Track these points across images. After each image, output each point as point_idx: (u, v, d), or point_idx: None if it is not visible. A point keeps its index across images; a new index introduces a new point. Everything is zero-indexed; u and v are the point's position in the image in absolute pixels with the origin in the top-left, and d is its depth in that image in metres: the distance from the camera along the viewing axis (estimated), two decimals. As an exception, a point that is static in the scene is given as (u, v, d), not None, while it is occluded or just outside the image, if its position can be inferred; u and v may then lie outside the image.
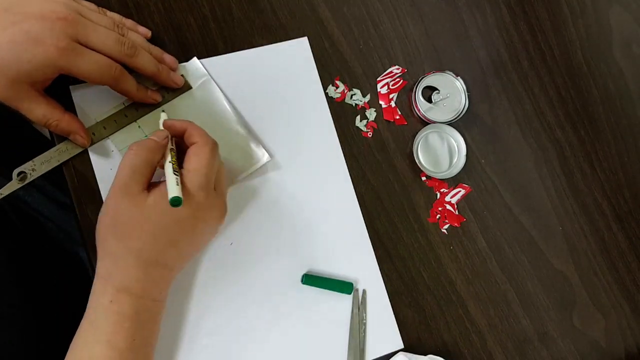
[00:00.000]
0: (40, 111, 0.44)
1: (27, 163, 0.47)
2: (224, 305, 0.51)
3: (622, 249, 0.61)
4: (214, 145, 0.46)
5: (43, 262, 0.58)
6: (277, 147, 0.54)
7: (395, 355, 0.53)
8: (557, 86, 0.62)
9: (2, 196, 0.47)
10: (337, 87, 0.57)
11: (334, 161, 0.56)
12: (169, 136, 0.47)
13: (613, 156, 0.62)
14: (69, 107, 0.49)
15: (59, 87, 0.49)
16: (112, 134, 0.50)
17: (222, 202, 0.47)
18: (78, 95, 0.51)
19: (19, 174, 0.47)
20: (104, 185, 0.50)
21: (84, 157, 0.50)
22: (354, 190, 0.55)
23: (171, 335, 0.50)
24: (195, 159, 0.44)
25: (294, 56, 0.56)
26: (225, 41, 0.55)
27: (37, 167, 0.47)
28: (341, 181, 0.55)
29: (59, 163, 0.49)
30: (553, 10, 0.63)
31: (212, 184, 0.45)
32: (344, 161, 0.56)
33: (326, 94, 0.56)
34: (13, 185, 0.47)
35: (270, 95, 0.55)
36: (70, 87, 0.50)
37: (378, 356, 0.53)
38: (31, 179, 0.47)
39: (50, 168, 0.48)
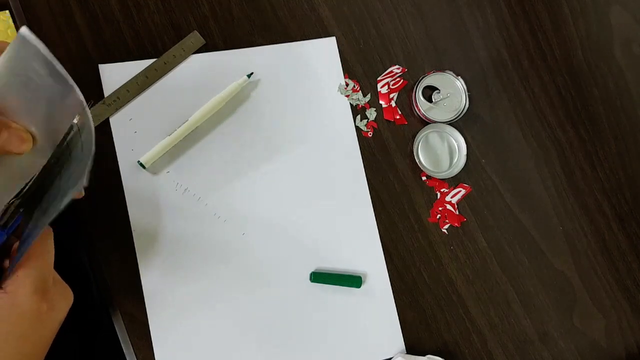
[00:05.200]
0: None
1: None
2: (233, 298, 0.51)
3: (622, 248, 0.61)
4: (50, 234, 0.38)
5: None
6: (293, 143, 0.55)
7: (394, 357, 0.53)
8: (558, 86, 0.62)
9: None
10: (347, 85, 0.57)
11: (352, 163, 0.56)
12: None
13: (613, 156, 0.62)
14: (97, 85, 0.51)
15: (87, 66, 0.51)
16: (131, 99, 0.51)
17: (64, 287, 0.40)
18: (106, 73, 0.52)
19: None
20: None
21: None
22: (368, 188, 0.56)
23: (177, 328, 0.50)
24: (27, 257, 0.36)
25: (320, 55, 0.57)
26: (225, 41, 0.55)
27: None
28: (355, 179, 0.56)
29: None
30: (553, 10, 0.63)
31: (50, 279, 0.38)
32: (362, 163, 0.56)
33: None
34: None
35: (291, 91, 0.56)
36: (100, 65, 0.52)
37: (381, 359, 0.53)
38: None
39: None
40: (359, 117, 0.57)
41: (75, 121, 0.34)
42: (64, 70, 0.32)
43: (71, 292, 0.41)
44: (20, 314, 0.36)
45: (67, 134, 0.35)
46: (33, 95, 0.33)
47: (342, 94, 0.57)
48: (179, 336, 0.50)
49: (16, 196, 0.37)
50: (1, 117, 0.33)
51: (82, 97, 0.33)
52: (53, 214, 0.33)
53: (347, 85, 0.57)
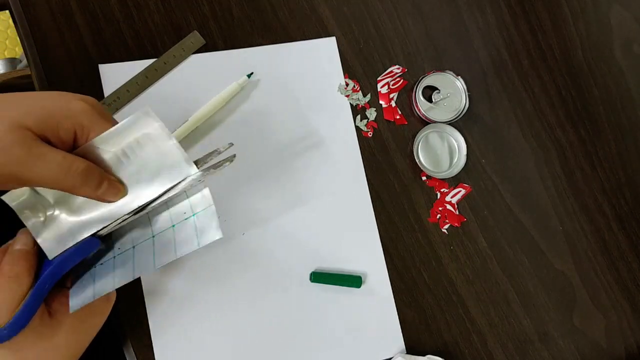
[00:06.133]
0: (57, 157, 0.36)
1: None
2: (233, 297, 0.51)
3: (622, 248, 0.61)
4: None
5: None
6: (293, 143, 0.55)
7: (394, 357, 0.53)
8: (558, 86, 0.62)
9: None
10: (347, 85, 0.57)
11: (352, 163, 0.56)
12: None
13: (613, 156, 0.62)
14: (97, 85, 0.51)
15: (87, 66, 0.52)
16: (132, 99, 0.52)
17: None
18: (107, 73, 0.52)
19: None
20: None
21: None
22: (367, 188, 0.56)
23: (177, 328, 0.50)
24: None
25: (320, 55, 0.57)
26: (225, 41, 0.55)
27: None
28: (355, 179, 0.56)
29: None
30: (553, 10, 0.63)
31: None
32: (362, 163, 0.56)
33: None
34: None
35: (291, 91, 0.56)
36: (100, 65, 0.52)
37: (383, 359, 0.53)
38: None
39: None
40: (359, 117, 0.57)
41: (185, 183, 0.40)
42: (181, 148, 0.39)
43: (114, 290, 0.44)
44: (94, 314, 0.40)
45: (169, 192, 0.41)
46: (138, 161, 0.40)
47: (342, 94, 0.57)
48: (179, 336, 0.50)
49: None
50: (101, 169, 0.38)
51: (196, 174, 0.40)
52: (158, 260, 0.40)
53: (347, 85, 0.57)
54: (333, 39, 0.57)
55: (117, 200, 0.39)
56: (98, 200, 0.39)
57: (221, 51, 0.55)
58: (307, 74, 0.56)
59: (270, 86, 0.55)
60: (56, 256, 0.38)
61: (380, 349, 0.53)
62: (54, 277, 0.38)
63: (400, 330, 0.54)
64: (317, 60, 0.57)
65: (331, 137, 0.56)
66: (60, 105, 0.36)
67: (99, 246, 0.40)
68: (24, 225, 0.39)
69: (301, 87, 0.56)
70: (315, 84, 0.56)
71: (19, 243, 0.39)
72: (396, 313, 0.54)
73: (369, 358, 0.53)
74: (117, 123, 0.39)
